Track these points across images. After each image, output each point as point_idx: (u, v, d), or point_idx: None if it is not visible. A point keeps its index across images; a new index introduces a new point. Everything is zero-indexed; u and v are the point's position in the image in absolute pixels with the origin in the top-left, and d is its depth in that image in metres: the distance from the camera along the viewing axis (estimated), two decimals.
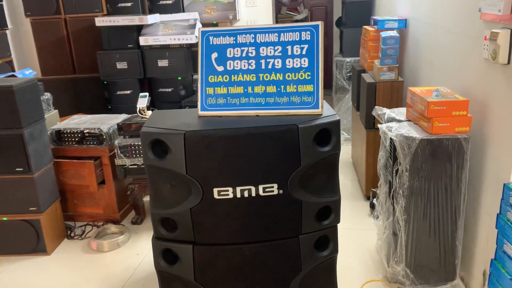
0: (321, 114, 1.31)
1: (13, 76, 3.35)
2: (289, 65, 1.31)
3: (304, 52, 1.31)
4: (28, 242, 3.05)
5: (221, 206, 1.25)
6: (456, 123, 2.24)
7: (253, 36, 1.29)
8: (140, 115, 3.30)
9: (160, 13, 4.84)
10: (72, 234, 3.33)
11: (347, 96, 4.83)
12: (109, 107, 4.92)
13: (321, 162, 1.27)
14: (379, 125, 2.51)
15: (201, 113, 1.35)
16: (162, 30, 4.72)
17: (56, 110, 3.75)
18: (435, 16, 2.93)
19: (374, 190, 2.90)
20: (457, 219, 2.37)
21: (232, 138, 1.20)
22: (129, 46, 4.74)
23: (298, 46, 1.30)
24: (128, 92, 4.83)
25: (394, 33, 3.31)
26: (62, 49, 5.08)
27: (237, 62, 1.32)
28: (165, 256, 1.34)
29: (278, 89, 1.31)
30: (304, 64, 1.31)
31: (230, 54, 1.33)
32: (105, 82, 4.86)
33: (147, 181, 1.30)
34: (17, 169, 2.90)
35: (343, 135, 5.02)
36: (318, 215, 1.33)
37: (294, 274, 1.38)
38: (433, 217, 2.38)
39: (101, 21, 4.61)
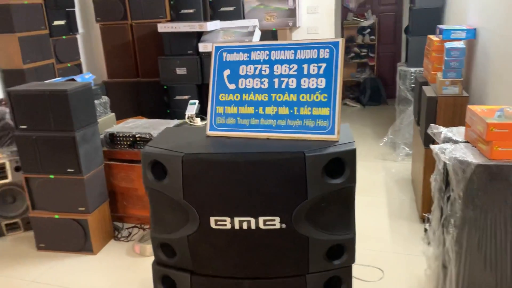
0: (337, 141, 1.17)
1: (73, 80, 3.50)
2: (304, 85, 1.19)
3: (321, 72, 1.18)
4: (76, 241, 3.16)
5: (218, 236, 1.16)
6: None
7: (268, 52, 1.19)
8: (189, 122, 3.31)
9: (221, 20, 4.87)
10: (119, 236, 3.41)
11: (410, 109, 4.55)
12: (168, 111, 5.03)
13: (333, 196, 1.13)
14: (431, 146, 2.30)
15: (209, 133, 1.28)
16: (221, 37, 4.74)
17: (113, 114, 3.88)
18: (509, 26, 2.64)
19: (426, 215, 2.67)
20: None
21: (231, 164, 1.10)
22: (189, 52, 4.81)
23: (315, 64, 1.18)
24: (186, 97, 4.90)
25: (460, 44, 3.04)
26: (127, 54, 5.28)
27: (249, 80, 1.23)
28: (164, 282, 1.28)
29: (291, 111, 1.20)
30: (321, 85, 1.18)
31: (242, 72, 1.24)
32: (165, 87, 4.98)
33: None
34: (68, 170, 3.02)
35: (404, 150, 4.74)
36: (328, 254, 1.20)
37: None
38: (489, 251, 2.12)
39: (163, 27, 4.72)
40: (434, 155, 2.31)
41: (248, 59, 1.22)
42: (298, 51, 1.17)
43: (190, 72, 4.82)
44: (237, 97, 1.25)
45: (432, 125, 2.51)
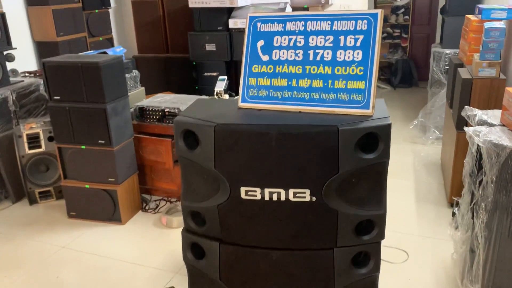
0: (371, 116, 1.15)
1: (105, 53, 3.54)
2: (340, 58, 1.16)
3: (358, 44, 1.15)
4: (106, 211, 3.24)
5: (248, 206, 1.17)
6: None
7: (303, 23, 1.16)
8: (217, 98, 3.32)
9: None
10: (147, 207, 3.48)
11: (443, 91, 4.43)
12: (196, 87, 5.04)
13: (364, 171, 1.11)
14: (465, 128, 2.24)
15: (241, 104, 1.27)
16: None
17: (143, 87, 3.92)
18: None
19: (456, 199, 2.62)
20: None
21: (263, 135, 1.10)
22: (218, 28, 4.78)
23: (352, 36, 1.15)
24: (215, 74, 4.89)
25: (500, 24, 2.92)
26: (157, 29, 5.29)
27: (283, 52, 1.21)
28: (193, 249, 1.31)
29: (325, 84, 1.18)
30: (357, 58, 1.15)
31: (277, 43, 1.22)
32: (194, 63, 4.98)
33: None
34: (99, 141, 3.08)
35: (435, 133, 4.64)
36: (357, 229, 1.19)
37: None
38: None
39: (194, 2, 4.69)
40: (467, 137, 2.25)
41: (283, 29, 1.19)
42: (335, 22, 1.14)
43: (219, 49, 4.79)
44: (270, 68, 1.23)
45: (467, 107, 2.45)
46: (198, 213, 1.26)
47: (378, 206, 1.18)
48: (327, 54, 1.18)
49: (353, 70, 1.16)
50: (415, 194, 3.56)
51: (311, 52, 1.19)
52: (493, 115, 2.34)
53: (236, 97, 1.47)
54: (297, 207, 1.14)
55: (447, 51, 4.32)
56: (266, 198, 1.14)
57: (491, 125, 2.24)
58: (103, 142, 3.08)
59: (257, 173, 1.13)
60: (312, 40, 1.18)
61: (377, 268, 1.26)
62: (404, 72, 6.85)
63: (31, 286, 2.62)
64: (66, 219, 3.36)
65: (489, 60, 2.91)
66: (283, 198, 1.13)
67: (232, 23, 4.66)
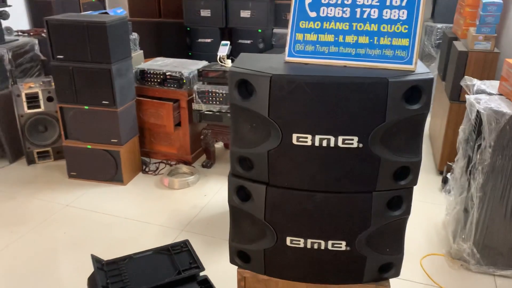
0: (414, 71, 1.25)
1: (106, 13, 3.51)
2: (386, 16, 1.25)
3: (403, 4, 1.24)
4: (107, 171, 3.29)
5: (298, 152, 1.26)
6: None
7: None
8: (220, 63, 3.35)
9: None
10: (147, 169, 3.54)
11: (433, 65, 4.57)
12: (190, 53, 5.03)
13: (407, 121, 1.22)
14: (466, 96, 2.37)
15: (288, 58, 1.34)
16: None
17: (142, 51, 3.91)
18: None
19: (450, 164, 2.78)
20: None
21: (318, 85, 1.18)
22: None
23: None
24: (209, 40, 4.90)
25: None
26: None
27: (331, 9, 1.29)
28: (238, 192, 1.40)
29: (371, 40, 1.27)
30: (402, 16, 1.24)
31: (324, 0, 1.30)
32: (188, 29, 4.95)
33: (229, 124, 1.33)
34: (103, 101, 3.09)
35: None
36: (395, 174, 1.31)
37: (362, 228, 1.38)
38: (511, 200, 2.25)
39: None
40: (467, 104, 2.38)
41: None
42: None
43: (215, 15, 4.78)
44: (317, 25, 1.31)
45: (466, 77, 2.57)
46: (245, 159, 1.34)
47: (415, 154, 1.30)
48: (374, 13, 1.26)
49: (398, 28, 1.25)
50: None
51: (358, 10, 1.27)
52: (491, 85, 2.47)
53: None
54: (345, 153, 1.25)
55: (439, 25, 4.43)
56: (317, 144, 1.24)
57: (489, 94, 2.38)
58: (107, 103, 3.10)
59: (309, 121, 1.22)
60: None
61: (408, 211, 1.39)
62: None
63: (39, 241, 2.67)
64: (66, 179, 3.39)
65: (485, 33, 3.04)
66: (332, 144, 1.23)
67: None
